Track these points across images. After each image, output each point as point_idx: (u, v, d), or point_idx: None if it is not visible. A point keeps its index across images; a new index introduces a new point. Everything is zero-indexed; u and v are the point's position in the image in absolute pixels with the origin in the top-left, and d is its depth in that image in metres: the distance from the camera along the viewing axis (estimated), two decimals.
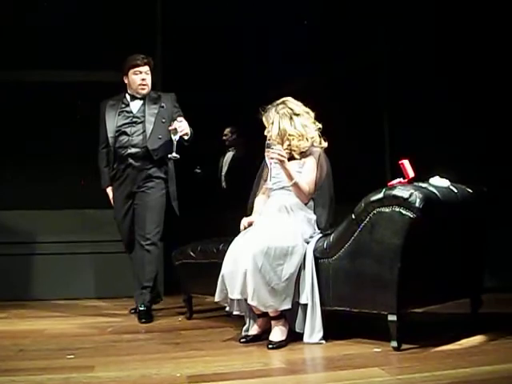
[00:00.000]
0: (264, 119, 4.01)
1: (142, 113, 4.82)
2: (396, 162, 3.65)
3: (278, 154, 3.75)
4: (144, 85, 4.84)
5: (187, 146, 4.67)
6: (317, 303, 3.56)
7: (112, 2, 6.39)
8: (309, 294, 3.57)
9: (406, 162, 3.54)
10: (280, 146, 3.83)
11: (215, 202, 7.31)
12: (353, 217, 3.47)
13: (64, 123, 6.25)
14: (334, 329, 3.62)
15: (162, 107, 4.83)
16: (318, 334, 3.54)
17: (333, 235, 3.59)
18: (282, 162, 3.79)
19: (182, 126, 4.54)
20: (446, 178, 3.61)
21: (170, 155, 4.55)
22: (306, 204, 3.88)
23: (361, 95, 6.66)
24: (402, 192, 3.28)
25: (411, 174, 3.50)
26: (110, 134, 4.79)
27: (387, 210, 3.31)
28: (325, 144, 4.00)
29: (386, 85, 6.56)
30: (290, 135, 3.88)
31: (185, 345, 3.71)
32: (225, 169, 7.68)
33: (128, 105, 4.87)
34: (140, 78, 4.83)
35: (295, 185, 3.82)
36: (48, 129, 6.25)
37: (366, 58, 6.74)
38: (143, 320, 4.58)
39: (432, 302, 3.67)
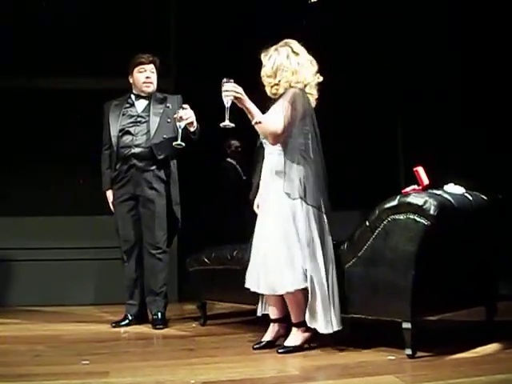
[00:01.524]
0: (262, 56, 3.80)
1: (147, 112, 4.77)
2: (410, 169, 3.65)
3: (233, 91, 3.50)
4: (149, 82, 4.79)
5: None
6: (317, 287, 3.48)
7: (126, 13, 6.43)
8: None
9: (420, 169, 3.53)
10: (238, 86, 3.54)
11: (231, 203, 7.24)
12: (367, 224, 3.47)
13: (64, 128, 6.30)
14: (348, 336, 3.61)
15: (168, 107, 4.75)
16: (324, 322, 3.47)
17: (347, 242, 3.59)
18: (238, 99, 3.53)
19: (187, 114, 4.45)
20: (461, 185, 3.60)
21: (174, 143, 4.43)
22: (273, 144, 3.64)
23: (374, 101, 6.66)
24: (416, 199, 3.28)
25: (426, 181, 3.49)
26: (114, 133, 4.73)
27: (402, 217, 3.31)
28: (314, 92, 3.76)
29: (400, 90, 6.55)
30: (284, 67, 3.67)
31: (199, 351, 3.72)
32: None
33: (133, 104, 4.82)
34: (145, 75, 4.78)
35: (258, 124, 3.57)
36: (51, 135, 6.30)
37: (379, 61, 6.74)
38: (159, 326, 4.56)
39: (446, 310, 3.67)
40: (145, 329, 4.62)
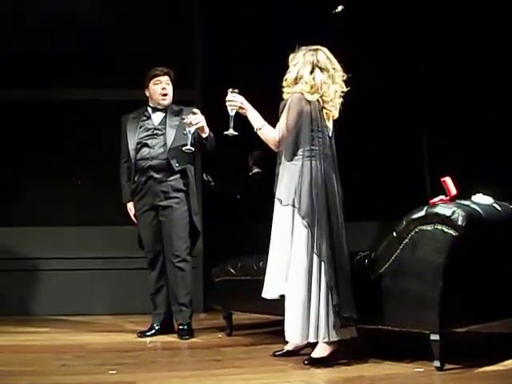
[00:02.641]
0: (290, 58, 3.82)
1: (164, 125, 4.82)
2: (437, 180, 3.62)
3: (235, 101, 3.77)
4: (165, 94, 4.85)
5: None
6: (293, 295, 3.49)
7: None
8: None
9: (448, 180, 3.50)
10: (241, 97, 3.80)
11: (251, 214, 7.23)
12: (394, 234, 3.45)
13: (80, 138, 6.34)
14: (375, 347, 3.59)
15: (183, 119, 4.73)
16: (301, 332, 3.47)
17: (374, 253, 3.57)
18: (240, 108, 3.78)
19: (197, 119, 4.48)
20: (489, 196, 3.57)
21: (184, 148, 4.45)
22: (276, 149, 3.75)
23: (399, 111, 6.63)
24: (444, 210, 3.26)
25: (453, 191, 3.46)
26: (132, 146, 4.79)
27: (429, 227, 3.28)
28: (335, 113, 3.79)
29: (426, 101, 6.52)
30: (304, 81, 3.69)
31: (225, 362, 3.72)
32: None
33: (149, 117, 4.88)
34: (160, 87, 4.84)
35: (258, 132, 3.77)
36: (65, 145, 6.36)
37: (404, 73, 6.71)
38: (186, 337, 4.57)
39: (475, 321, 3.62)
40: (171, 339, 4.63)
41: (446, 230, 3.22)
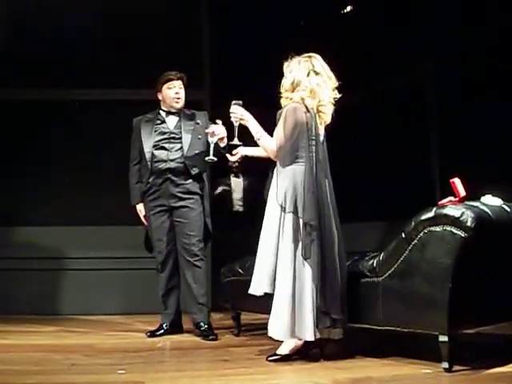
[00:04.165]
0: (284, 66, 3.90)
1: (179, 129, 4.87)
2: (446, 181, 3.62)
3: (236, 113, 3.91)
4: (178, 98, 4.89)
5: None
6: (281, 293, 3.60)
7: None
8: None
9: (456, 181, 3.49)
10: (242, 109, 3.93)
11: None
12: (403, 235, 3.45)
13: (96, 139, 6.39)
14: (383, 348, 3.58)
15: (198, 124, 4.86)
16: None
17: (382, 254, 3.57)
18: (242, 120, 3.91)
19: (219, 129, 4.49)
20: (498, 197, 3.56)
21: (206, 158, 4.44)
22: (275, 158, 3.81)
23: (409, 111, 6.62)
24: (453, 211, 3.25)
25: (462, 192, 3.45)
26: (147, 149, 4.82)
27: (438, 229, 3.28)
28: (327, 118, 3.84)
29: (436, 100, 6.50)
30: (303, 85, 3.76)
31: (233, 362, 3.72)
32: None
33: (164, 121, 4.91)
34: (174, 91, 4.88)
35: (259, 141, 3.87)
36: (81, 145, 6.41)
37: (414, 72, 6.70)
38: (211, 337, 4.56)
39: (484, 323, 3.62)
40: (180, 338, 4.66)
41: (454, 231, 3.21)
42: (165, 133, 4.87)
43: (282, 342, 3.66)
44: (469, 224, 3.18)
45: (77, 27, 6.31)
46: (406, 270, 3.43)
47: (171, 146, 4.82)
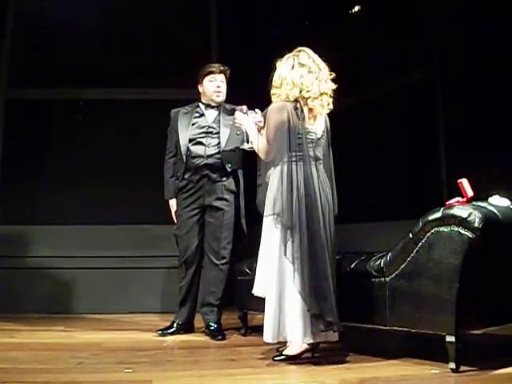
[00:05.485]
0: (277, 64, 3.90)
1: (218, 123, 4.77)
2: (453, 181, 3.61)
3: (237, 120, 4.13)
4: (219, 92, 4.80)
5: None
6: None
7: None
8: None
9: (464, 181, 3.49)
10: (242, 115, 4.09)
11: None
12: (410, 236, 3.45)
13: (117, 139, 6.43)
14: (391, 349, 3.58)
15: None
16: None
17: (390, 254, 3.57)
18: (241, 125, 4.11)
19: (256, 117, 4.23)
20: (506, 197, 3.55)
21: (242, 145, 4.20)
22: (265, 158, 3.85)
23: (416, 111, 6.60)
24: (460, 211, 3.25)
25: (470, 193, 3.45)
26: (183, 142, 4.72)
27: (446, 229, 3.28)
28: (322, 110, 3.82)
29: (442, 101, 6.48)
30: (287, 80, 3.75)
31: (240, 361, 3.73)
32: None
33: (203, 114, 4.82)
34: (215, 85, 4.79)
35: (254, 146, 3.94)
36: (104, 144, 6.43)
37: (422, 72, 6.68)
38: (219, 337, 4.53)
39: (491, 324, 3.59)
40: (188, 338, 4.65)
41: (462, 231, 3.21)
42: (203, 126, 4.77)
43: (285, 342, 3.67)
44: (476, 224, 3.18)
45: (89, 27, 6.39)
46: (413, 271, 3.43)
47: (209, 140, 4.72)
